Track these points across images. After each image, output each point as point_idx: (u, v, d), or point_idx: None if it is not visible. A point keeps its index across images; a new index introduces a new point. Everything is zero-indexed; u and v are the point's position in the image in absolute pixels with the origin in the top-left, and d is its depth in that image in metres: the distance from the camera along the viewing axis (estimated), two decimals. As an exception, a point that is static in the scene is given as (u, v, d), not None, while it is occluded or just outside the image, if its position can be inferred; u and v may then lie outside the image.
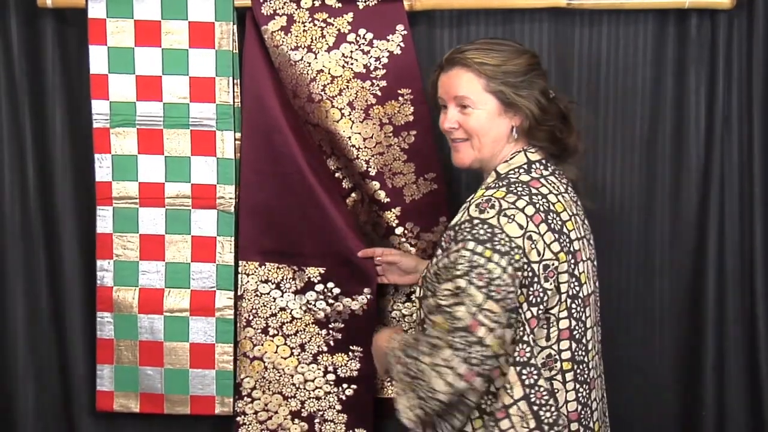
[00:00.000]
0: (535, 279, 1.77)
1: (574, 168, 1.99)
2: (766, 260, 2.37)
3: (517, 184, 1.84)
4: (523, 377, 1.79)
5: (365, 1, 2.27)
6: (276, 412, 2.41)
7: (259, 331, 2.39)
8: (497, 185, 1.85)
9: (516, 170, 1.88)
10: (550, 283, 1.79)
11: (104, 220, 2.38)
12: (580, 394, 1.86)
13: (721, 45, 2.32)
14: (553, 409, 1.81)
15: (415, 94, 2.29)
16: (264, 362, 2.40)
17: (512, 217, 1.77)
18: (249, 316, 2.39)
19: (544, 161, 1.92)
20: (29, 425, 2.52)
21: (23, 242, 2.48)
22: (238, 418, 2.41)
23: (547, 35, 2.35)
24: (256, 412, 2.42)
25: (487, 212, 1.78)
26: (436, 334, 1.76)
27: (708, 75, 2.35)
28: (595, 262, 1.98)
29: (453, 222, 1.86)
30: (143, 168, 2.36)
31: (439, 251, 1.86)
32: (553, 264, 1.79)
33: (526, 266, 1.76)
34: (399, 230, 2.34)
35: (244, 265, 2.38)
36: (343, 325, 2.35)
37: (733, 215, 2.38)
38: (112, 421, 2.52)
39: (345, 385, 2.38)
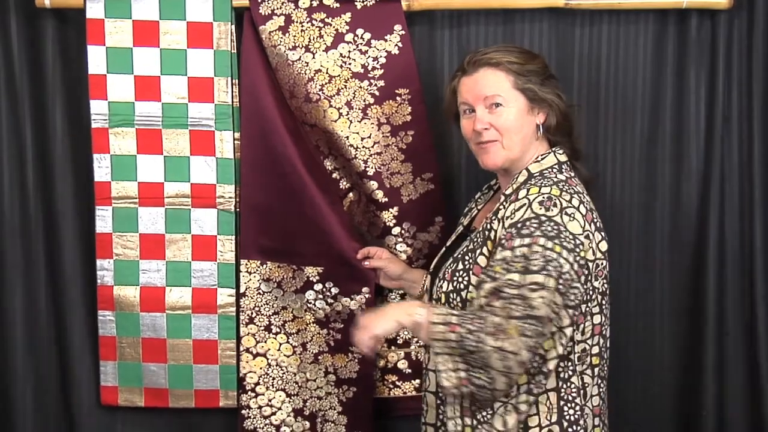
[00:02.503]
0: (589, 278, 1.80)
1: (583, 168, 2.01)
2: (766, 260, 2.37)
3: (562, 183, 1.85)
4: (560, 370, 1.82)
5: (363, 1, 2.27)
6: (279, 408, 2.42)
7: (262, 328, 2.40)
8: (541, 183, 1.85)
9: (549, 170, 1.90)
10: (600, 281, 1.82)
11: (103, 220, 2.38)
12: (601, 390, 1.90)
13: (721, 45, 2.32)
14: (577, 408, 1.82)
15: (413, 94, 2.29)
16: (267, 359, 2.41)
17: (572, 215, 1.78)
18: (252, 313, 2.39)
19: (569, 163, 1.95)
20: (28, 424, 2.52)
21: (23, 242, 2.48)
22: (243, 411, 2.42)
23: (547, 35, 2.35)
24: (260, 407, 2.42)
25: (552, 210, 1.78)
26: (499, 320, 1.69)
27: (708, 75, 2.35)
28: None
29: (513, 220, 1.80)
30: (142, 168, 2.36)
31: (495, 247, 1.83)
32: (602, 263, 1.82)
33: (584, 265, 1.78)
34: (396, 230, 2.35)
35: (246, 264, 2.38)
36: (342, 325, 2.35)
37: (733, 215, 2.38)
38: (113, 418, 2.52)
39: (345, 387, 2.39)
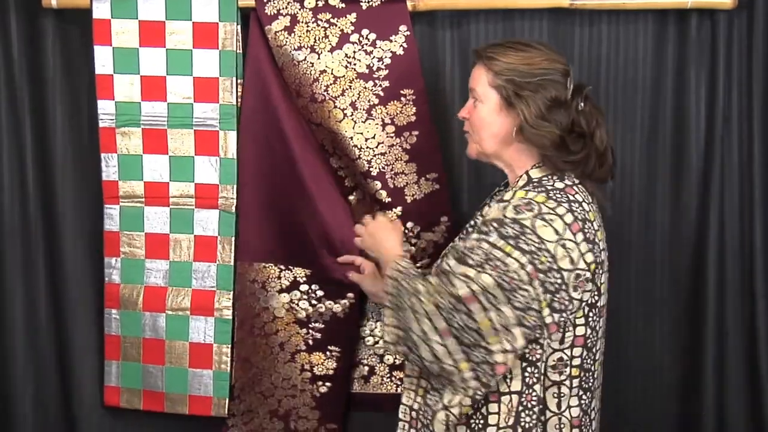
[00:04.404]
0: (563, 287, 1.76)
1: (593, 183, 1.94)
2: (766, 260, 2.37)
3: (555, 191, 1.83)
4: (526, 375, 1.80)
5: (368, 2, 2.28)
6: (257, 413, 2.42)
7: (247, 331, 2.40)
8: (536, 190, 1.84)
9: (549, 177, 1.87)
10: (579, 293, 1.78)
11: (111, 219, 2.39)
12: (583, 401, 1.87)
13: (721, 45, 2.33)
14: (534, 417, 1.81)
15: (417, 94, 2.29)
16: (251, 362, 2.41)
17: (550, 221, 1.76)
18: (241, 316, 2.40)
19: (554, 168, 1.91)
20: (28, 425, 2.52)
21: (23, 242, 2.48)
22: (228, 421, 2.43)
23: (547, 35, 2.35)
24: (242, 413, 2.43)
25: (524, 213, 1.77)
26: (422, 286, 1.79)
27: (708, 75, 2.36)
28: (609, 274, 1.95)
29: (488, 217, 1.85)
30: (148, 167, 2.37)
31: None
32: (584, 274, 1.78)
33: (554, 272, 1.74)
34: None
35: (240, 266, 2.38)
36: (323, 326, 2.36)
37: (733, 215, 2.38)
38: (111, 419, 2.53)
39: (320, 383, 2.39)
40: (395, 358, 2.40)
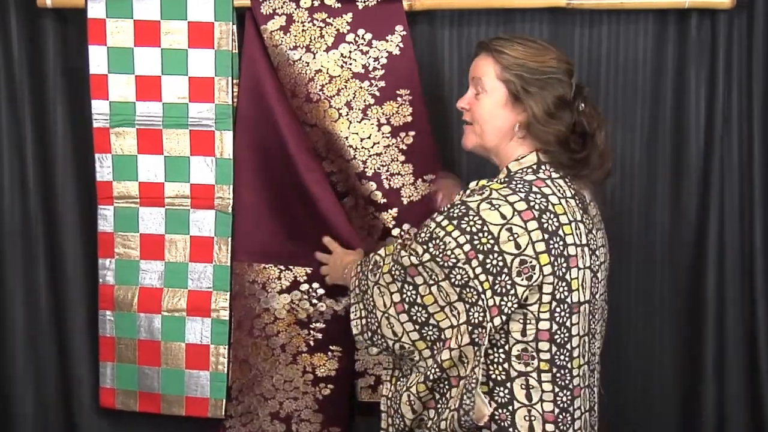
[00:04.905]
0: (505, 270, 1.76)
1: (589, 184, 1.95)
2: (766, 260, 2.37)
3: (518, 182, 1.84)
4: (475, 358, 1.81)
5: (364, 2, 2.27)
6: (257, 414, 2.41)
7: (246, 333, 2.39)
8: (500, 179, 1.87)
9: (525, 170, 1.88)
10: (523, 279, 1.77)
11: (105, 220, 2.38)
12: (558, 398, 1.85)
13: (721, 45, 2.33)
14: (471, 400, 1.81)
15: (413, 95, 2.28)
16: (249, 364, 2.39)
17: (497, 206, 1.78)
18: (239, 317, 2.38)
19: (554, 165, 1.91)
20: (28, 424, 2.52)
21: (23, 242, 2.48)
22: (225, 422, 2.42)
23: (547, 35, 2.34)
24: (241, 415, 2.42)
25: (474, 197, 1.81)
26: (378, 259, 1.95)
27: (708, 75, 2.36)
28: (601, 275, 1.93)
29: None
30: (143, 168, 2.36)
31: None
32: (530, 261, 1.77)
33: (495, 254, 1.76)
34: (395, 231, 2.33)
35: (238, 266, 2.37)
36: (324, 326, 2.35)
37: (733, 215, 2.38)
38: (111, 419, 2.53)
39: (322, 385, 2.38)
40: None
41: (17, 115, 2.44)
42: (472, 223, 1.77)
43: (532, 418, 1.84)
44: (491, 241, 1.76)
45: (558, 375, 1.84)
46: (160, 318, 2.39)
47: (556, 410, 1.85)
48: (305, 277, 2.35)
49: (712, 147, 2.36)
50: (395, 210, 2.32)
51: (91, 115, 2.34)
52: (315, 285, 2.35)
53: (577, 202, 1.89)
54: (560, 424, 1.85)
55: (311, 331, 2.37)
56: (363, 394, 2.39)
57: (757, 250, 2.37)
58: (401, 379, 1.93)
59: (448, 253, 1.77)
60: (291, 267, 2.35)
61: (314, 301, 2.35)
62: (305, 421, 2.39)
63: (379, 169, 2.30)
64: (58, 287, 2.50)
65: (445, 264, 1.78)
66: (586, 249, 1.86)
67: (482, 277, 1.76)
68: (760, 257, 2.37)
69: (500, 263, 1.76)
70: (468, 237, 1.77)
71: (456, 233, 1.77)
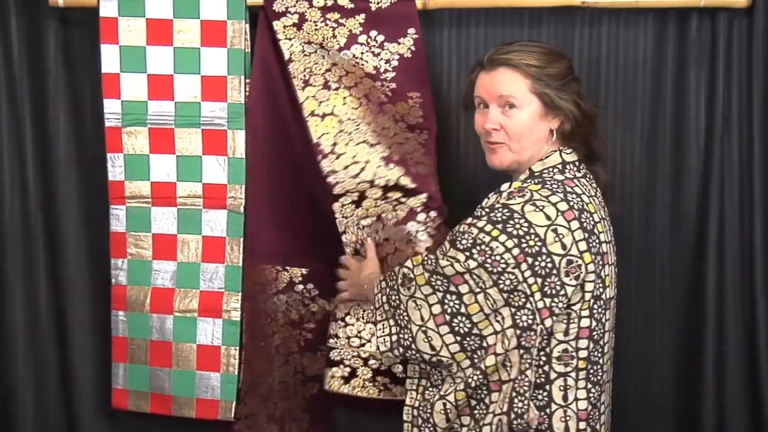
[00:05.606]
0: (554, 271, 1.79)
1: (602, 171, 2.01)
2: (766, 260, 2.37)
3: (552, 182, 1.86)
4: (521, 362, 1.83)
5: (378, 3, 2.26)
6: (258, 416, 2.40)
7: (250, 333, 2.38)
8: (533, 180, 1.89)
9: (550, 170, 1.91)
10: (571, 279, 1.80)
11: (118, 219, 2.37)
12: (591, 395, 1.88)
13: (721, 45, 2.33)
14: (525, 403, 1.83)
15: (424, 98, 2.27)
16: (252, 365, 2.38)
17: (541, 207, 1.79)
18: (246, 318, 2.38)
19: (577, 163, 1.95)
20: (29, 424, 2.51)
21: (23, 242, 2.47)
22: (234, 425, 2.40)
23: (546, 35, 2.36)
24: (246, 417, 2.40)
25: (515, 199, 1.81)
26: (407, 271, 1.91)
27: (708, 75, 2.36)
28: (616, 269, 1.99)
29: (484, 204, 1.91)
30: (155, 167, 2.35)
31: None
32: (576, 261, 1.80)
33: (543, 256, 1.78)
34: (421, 216, 2.26)
35: (249, 267, 2.36)
36: (314, 326, 2.36)
37: (733, 215, 2.38)
38: (111, 419, 2.52)
39: (310, 384, 2.39)
40: (381, 363, 2.30)
41: (17, 115, 2.43)
42: (518, 226, 1.78)
43: (568, 418, 1.86)
44: (539, 243, 1.77)
45: (591, 371, 1.88)
46: (172, 319, 2.37)
47: (589, 407, 1.88)
48: (300, 278, 2.35)
49: (712, 147, 2.36)
50: (424, 196, 2.25)
51: (93, 114, 2.35)
52: (310, 286, 2.35)
53: (600, 199, 1.93)
54: (591, 420, 1.89)
55: (302, 332, 2.37)
56: (333, 384, 2.32)
57: (757, 250, 2.36)
58: (429, 389, 1.92)
59: (497, 258, 1.77)
60: (287, 268, 2.35)
61: (307, 302, 2.35)
62: (295, 420, 2.39)
63: (404, 155, 2.26)
64: (58, 287, 2.49)
65: (495, 270, 1.78)
66: (611, 246, 1.91)
67: (531, 280, 1.78)
68: (760, 257, 2.36)
69: (549, 265, 1.78)
70: (516, 241, 1.77)
71: (503, 237, 1.77)
